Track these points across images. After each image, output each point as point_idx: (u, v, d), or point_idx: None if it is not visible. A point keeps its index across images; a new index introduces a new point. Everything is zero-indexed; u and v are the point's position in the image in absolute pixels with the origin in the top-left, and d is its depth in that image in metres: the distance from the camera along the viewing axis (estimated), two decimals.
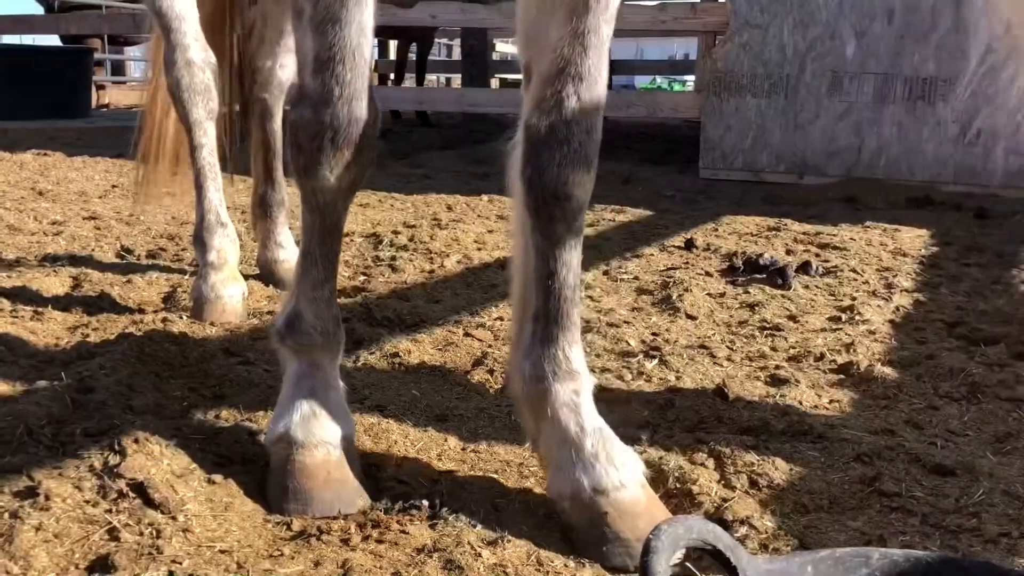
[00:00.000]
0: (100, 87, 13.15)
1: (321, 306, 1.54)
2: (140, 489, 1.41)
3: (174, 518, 1.37)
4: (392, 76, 11.63)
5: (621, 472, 1.40)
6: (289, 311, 1.56)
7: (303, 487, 1.46)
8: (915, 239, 3.94)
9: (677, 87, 20.81)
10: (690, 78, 16.87)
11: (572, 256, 1.44)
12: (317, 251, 1.52)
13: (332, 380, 1.56)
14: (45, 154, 6.41)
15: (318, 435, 1.49)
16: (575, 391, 1.44)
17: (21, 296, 2.62)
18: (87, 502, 1.38)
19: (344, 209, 1.53)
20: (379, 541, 1.37)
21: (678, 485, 1.56)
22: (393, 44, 12.40)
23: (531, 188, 1.42)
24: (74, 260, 3.14)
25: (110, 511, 1.36)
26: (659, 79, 22.49)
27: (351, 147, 1.44)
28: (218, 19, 2.88)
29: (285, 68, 2.98)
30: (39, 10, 12.94)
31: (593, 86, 1.41)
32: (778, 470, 1.61)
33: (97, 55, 12.46)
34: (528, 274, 1.48)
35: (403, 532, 1.39)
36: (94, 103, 11.64)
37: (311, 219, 1.50)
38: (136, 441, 1.55)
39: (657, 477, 1.56)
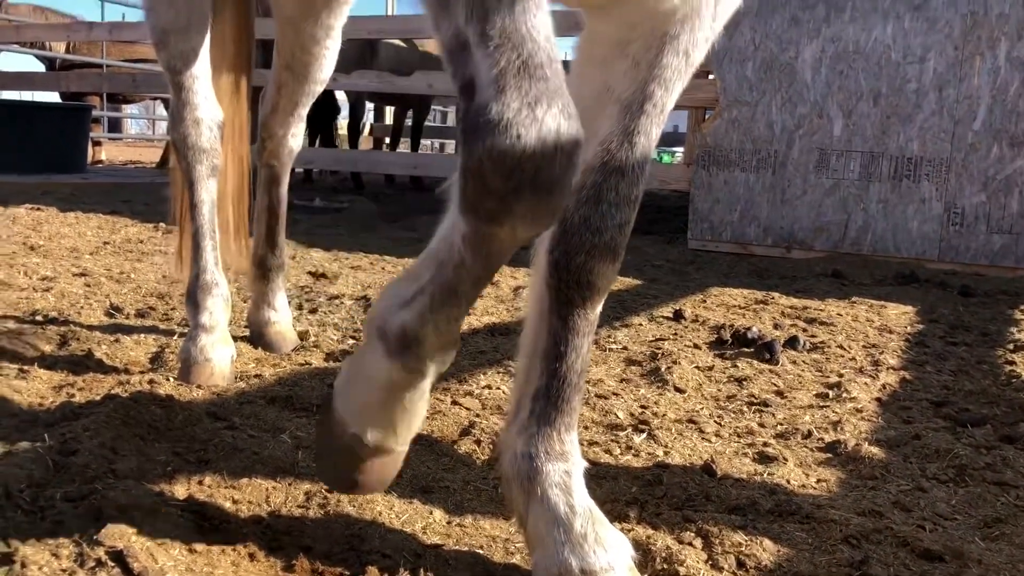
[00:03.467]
0: (96, 143, 13.27)
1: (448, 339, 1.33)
2: (119, 558, 1.39)
3: None
4: (388, 141, 11.80)
5: (610, 554, 1.38)
6: (408, 325, 1.32)
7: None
8: (901, 316, 3.97)
9: (666, 157, 21.14)
10: (680, 149, 17.15)
11: (583, 342, 1.44)
12: (470, 294, 1.29)
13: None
14: (39, 209, 6.43)
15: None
16: (566, 472, 1.43)
17: (7, 353, 2.60)
18: (64, 570, 1.35)
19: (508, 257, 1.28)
20: None
21: (665, 566, 1.54)
22: (390, 110, 12.60)
23: (556, 270, 1.42)
24: (63, 317, 3.13)
25: None
26: None
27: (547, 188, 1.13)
28: (231, 82, 2.91)
29: (296, 137, 3.03)
30: (40, 67, 13.13)
31: (634, 184, 1.41)
32: (766, 551, 1.60)
33: (95, 112, 12.60)
34: (536, 351, 1.47)
35: None
36: (90, 159, 11.72)
37: (473, 266, 1.25)
38: (117, 507, 1.53)
39: (645, 557, 1.55)
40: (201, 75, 2.56)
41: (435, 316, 1.29)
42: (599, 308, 1.46)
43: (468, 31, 1.12)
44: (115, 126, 16.78)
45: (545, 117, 1.09)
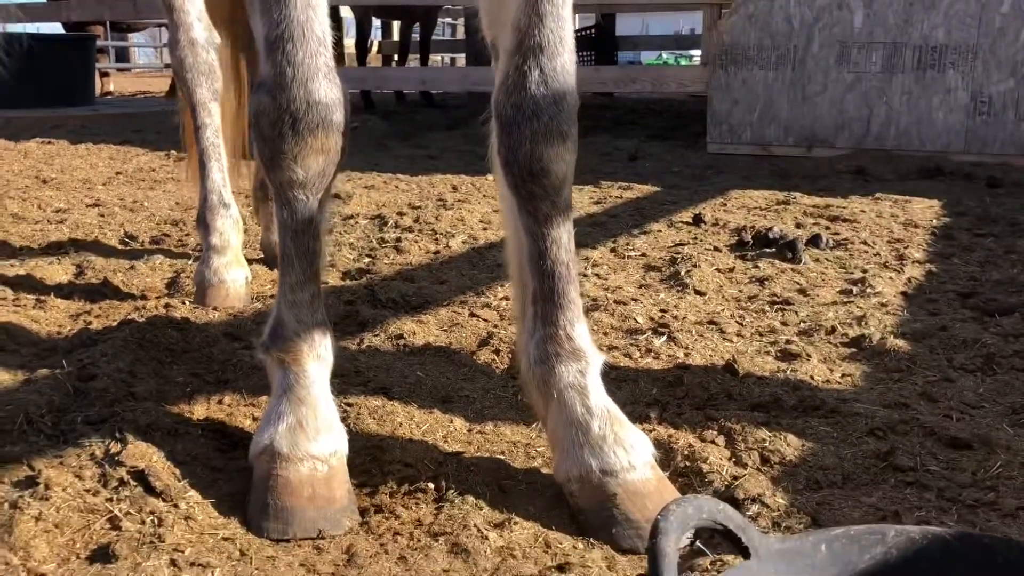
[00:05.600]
0: (104, 74, 13.11)
1: (303, 311, 1.44)
2: (141, 477, 1.40)
3: (176, 506, 1.35)
4: (396, 57, 11.57)
5: (630, 453, 1.37)
6: (273, 318, 1.48)
7: (285, 504, 1.33)
8: (926, 210, 3.88)
9: (684, 62, 20.62)
10: (696, 53, 16.71)
11: (561, 232, 1.40)
12: (292, 250, 1.43)
13: (321, 391, 1.45)
14: (49, 142, 6.39)
15: (304, 448, 1.37)
16: (580, 371, 1.41)
17: (24, 284, 2.60)
18: (87, 491, 1.36)
19: (317, 203, 1.42)
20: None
21: (688, 463, 1.53)
22: (397, 24, 12.32)
23: (508, 168, 1.39)
24: (77, 247, 3.12)
25: (111, 500, 1.34)
26: (665, 55, 22.26)
27: (314, 133, 1.36)
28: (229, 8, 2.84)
29: None
30: None
31: (555, 55, 1.36)
32: (790, 446, 1.58)
33: (100, 42, 12.42)
34: (522, 256, 1.44)
35: (409, 515, 1.37)
36: (98, 91, 11.61)
37: (282, 215, 1.42)
38: (137, 428, 1.54)
39: (666, 456, 1.54)
40: None
41: (284, 291, 1.46)
42: (567, 194, 1.41)
43: None
44: (123, 57, 16.58)
45: (307, 81, 1.35)
